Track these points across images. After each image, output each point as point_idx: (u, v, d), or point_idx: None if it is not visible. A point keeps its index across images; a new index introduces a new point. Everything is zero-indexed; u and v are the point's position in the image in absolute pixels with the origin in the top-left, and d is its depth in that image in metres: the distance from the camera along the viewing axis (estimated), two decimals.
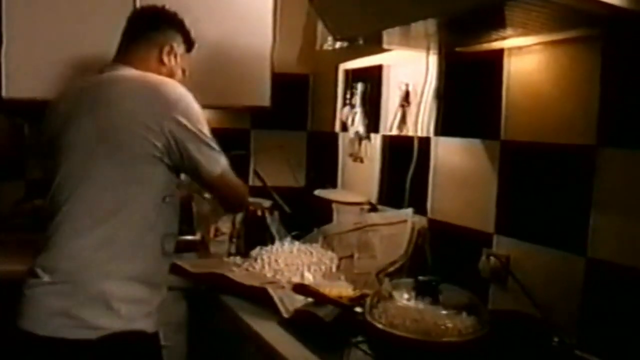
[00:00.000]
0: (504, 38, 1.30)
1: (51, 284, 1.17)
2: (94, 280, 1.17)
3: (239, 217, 1.80)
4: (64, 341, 1.12)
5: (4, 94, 1.77)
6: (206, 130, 1.30)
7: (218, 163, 1.32)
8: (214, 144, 1.31)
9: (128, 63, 1.34)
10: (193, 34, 1.47)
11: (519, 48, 1.32)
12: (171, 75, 1.39)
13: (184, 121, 1.24)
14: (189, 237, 1.80)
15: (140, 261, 1.23)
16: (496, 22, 1.17)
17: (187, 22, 1.46)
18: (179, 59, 1.42)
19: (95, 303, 1.15)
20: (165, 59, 1.38)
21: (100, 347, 1.13)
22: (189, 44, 1.47)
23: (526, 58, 1.31)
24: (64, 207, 1.21)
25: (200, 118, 1.29)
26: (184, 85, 1.37)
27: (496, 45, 1.35)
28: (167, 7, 1.43)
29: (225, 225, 1.79)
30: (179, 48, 1.42)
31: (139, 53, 1.36)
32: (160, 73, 1.36)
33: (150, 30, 1.38)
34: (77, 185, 1.21)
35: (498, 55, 1.37)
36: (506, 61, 1.36)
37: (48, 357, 1.14)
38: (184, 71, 1.46)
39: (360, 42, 1.56)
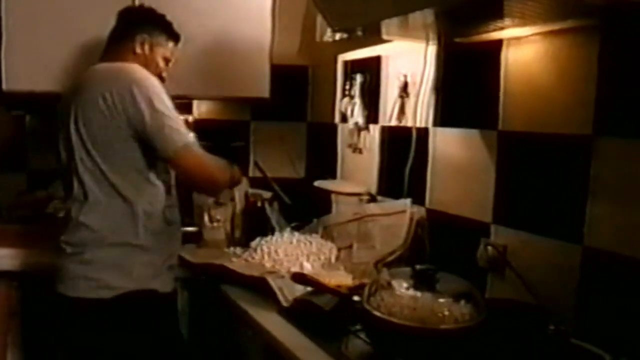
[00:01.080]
0: (502, 28, 1.30)
1: (72, 254, 1.36)
2: (105, 248, 1.34)
3: (238, 207, 1.81)
4: (87, 300, 1.33)
5: (4, 86, 1.78)
6: (168, 106, 1.36)
7: (180, 136, 1.35)
8: (176, 119, 1.37)
9: (106, 60, 1.47)
10: (175, 26, 1.56)
11: (517, 38, 1.32)
12: (148, 64, 1.48)
13: (141, 96, 1.32)
14: (188, 229, 1.82)
15: (144, 231, 1.36)
16: (494, 12, 1.17)
17: (169, 16, 1.57)
18: (155, 48, 1.50)
19: (109, 267, 1.33)
20: (138, 50, 1.48)
21: (116, 304, 1.32)
22: (169, 34, 1.55)
23: (524, 48, 1.31)
24: (69, 188, 1.39)
25: (159, 95, 1.35)
26: (166, 73, 1.55)
27: (494, 35, 1.35)
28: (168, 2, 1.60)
29: (219, 212, 1.80)
30: (155, 39, 1.50)
31: (115, 49, 1.49)
32: (135, 63, 1.45)
33: (124, 28, 1.51)
34: (75, 168, 1.37)
35: (496, 46, 1.37)
36: (504, 51, 1.36)
37: (77, 314, 1.35)
38: (166, 60, 1.54)
39: (359, 33, 1.56)
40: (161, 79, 1.52)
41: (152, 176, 1.39)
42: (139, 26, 1.50)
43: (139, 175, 1.37)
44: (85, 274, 1.33)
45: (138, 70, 1.38)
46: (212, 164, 1.44)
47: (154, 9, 1.55)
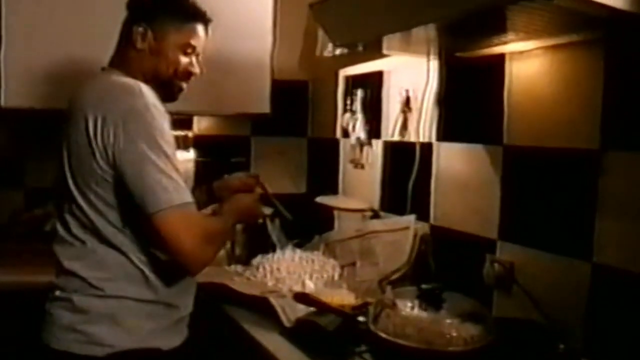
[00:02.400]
0: (505, 42, 1.29)
1: (61, 299, 1.15)
2: (97, 298, 1.13)
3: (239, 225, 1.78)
4: (73, 356, 1.11)
5: (2, 103, 1.76)
6: (163, 151, 1.06)
7: (166, 195, 1.05)
8: (169, 171, 1.05)
9: (111, 63, 1.23)
10: (195, 4, 1.25)
11: (521, 52, 1.31)
12: (157, 61, 1.21)
13: (133, 133, 1.05)
14: None
15: (143, 282, 1.14)
16: (497, 26, 1.16)
17: None
18: (162, 37, 1.20)
19: (101, 319, 1.12)
20: (139, 44, 1.19)
21: None
22: (186, 15, 1.23)
23: (528, 62, 1.30)
24: (57, 227, 1.18)
25: (157, 133, 1.06)
26: (197, 67, 1.26)
27: (497, 49, 1.34)
28: None
29: None
30: (159, 26, 1.20)
31: (119, 48, 1.23)
32: (144, 62, 1.20)
33: (125, 21, 1.24)
34: (61, 205, 1.16)
35: (499, 60, 1.36)
36: (508, 65, 1.35)
37: None
38: (187, 48, 1.23)
39: (360, 48, 1.55)
40: (188, 75, 1.26)
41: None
42: (137, 13, 1.21)
43: (132, 225, 1.12)
44: (74, 325, 1.11)
45: (137, 92, 1.09)
46: (202, 236, 1.08)
47: None
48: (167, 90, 1.25)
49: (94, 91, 1.14)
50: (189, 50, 1.25)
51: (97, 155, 1.08)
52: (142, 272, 1.14)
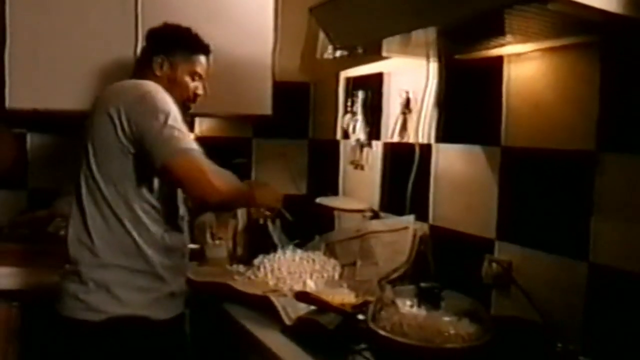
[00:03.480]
0: (502, 45, 1.31)
1: (68, 272, 1.34)
2: (96, 268, 1.32)
3: (240, 224, 1.80)
4: (75, 321, 1.31)
5: (7, 104, 1.78)
6: (175, 119, 1.30)
7: (178, 143, 1.27)
8: (180, 131, 1.29)
9: (133, 78, 1.46)
10: (200, 39, 1.53)
11: (518, 55, 1.33)
12: (173, 84, 1.47)
13: (148, 108, 1.29)
14: (190, 246, 1.80)
15: (139, 255, 1.32)
16: (495, 29, 1.18)
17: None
18: (175, 66, 1.48)
19: (98, 289, 1.31)
20: (158, 72, 1.46)
21: (103, 329, 1.29)
22: (194, 49, 1.51)
23: (525, 65, 1.32)
24: (72, 203, 1.38)
25: (168, 109, 1.30)
26: (202, 90, 1.53)
27: (495, 52, 1.36)
28: (169, 20, 1.55)
29: (221, 229, 1.79)
30: (174, 57, 1.47)
31: (139, 72, 1.49)
32: (159, 84, 1.41)
33: (144, 51, 1.52)
34: (78, 184, 1.36)
35: (497, 62, 1.38)
36: (506, 68, 1.37)
37: (66, 334, 1.34)
38: (195, 75, 1.50)
39: (360, 50, 1.57)
40: (194, 97, 1.51)
41: (152, 199, 1.34)
42: (156, 47, 1.48)
43: (137, 198, 1.33)
44: (77, 294, 1.31)
45: (151, 86, 1.35)
46: (213, 170, 1.31)
47: (176, 25, 1.52)
48: (178, 108, 1.44)
49: (117, 86, 1.38)
50: (196, 77, 1.52)
51: (119, 131, 1.29)
52: (135, 241, 1.32)
